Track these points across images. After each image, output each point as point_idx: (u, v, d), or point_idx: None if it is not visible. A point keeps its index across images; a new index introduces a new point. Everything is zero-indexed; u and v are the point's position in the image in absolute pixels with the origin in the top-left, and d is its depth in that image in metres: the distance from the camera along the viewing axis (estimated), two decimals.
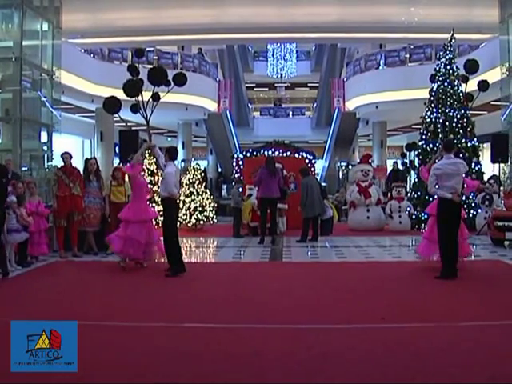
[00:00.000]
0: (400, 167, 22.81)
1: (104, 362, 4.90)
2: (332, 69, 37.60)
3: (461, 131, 16.05)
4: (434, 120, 16.33)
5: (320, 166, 31.43)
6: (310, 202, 13.75)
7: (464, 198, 15.49)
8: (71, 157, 11.65)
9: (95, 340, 5.39)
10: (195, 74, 28.97)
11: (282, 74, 42.30)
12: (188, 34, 22.42)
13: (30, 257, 10.48)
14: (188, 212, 16.29)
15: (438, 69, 16.87)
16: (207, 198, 16.82)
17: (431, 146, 16.21)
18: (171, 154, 9.57)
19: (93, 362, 4.70)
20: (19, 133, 14.62)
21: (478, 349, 5.25)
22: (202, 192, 16.76)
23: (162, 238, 9.73)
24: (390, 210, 16.17)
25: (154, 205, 16.76)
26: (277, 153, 16.56)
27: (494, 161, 16.47)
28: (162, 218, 10.73)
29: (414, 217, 16.11)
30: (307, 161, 16.91)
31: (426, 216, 15.82)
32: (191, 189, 16.51)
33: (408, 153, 26.96)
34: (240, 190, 15.81)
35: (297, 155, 17.03)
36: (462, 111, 16.31)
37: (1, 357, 4.37)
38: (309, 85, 46.96)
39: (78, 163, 12.55)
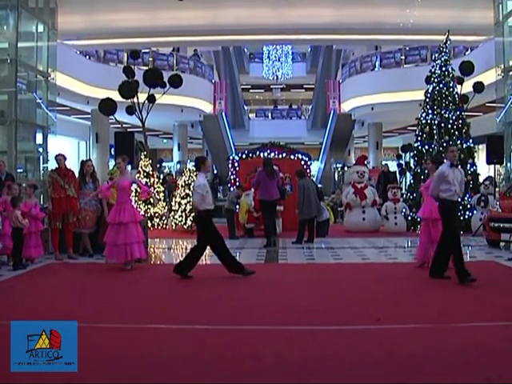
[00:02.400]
0: (391, 169, 22.84)
1: (100, 363, 4.90)
2: (327, 70, 37.68)
3: (456, 132, 16.10)
4: (429, 121, 16.37)
5: (316, 167, 31.49)
6: (307, 204, 13.76)
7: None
8: (65, 158, 11.64)
9: (92, 341, 5.38)
10: (191, 76, 29.00)
11: (277, 76, 42.37)
12: (184, 36, 22.45)
13: (24, 259, 10.45)
14: (184, 214, 16.29)
15: (433, 70, 16.92)
16: None
17: (427, 147, 16.26)
18: (195, 164, 9.79)
19: (90, 364, 4.69)
20: (14, 134, 14.60)
21: (473, 350, 5.27)
22: None
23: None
24: (386, 212, 16.19)
25: (149, 206, 16.81)
26: (272, 154, 16.55)
27: (489, 162, 16.52)
28: None
29: (409, 218, 16.14)
30: (303, 162, 16.91)
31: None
32: (187, 190, 16.49)
33: (404, 154, 27.08)
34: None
35: (292, 157, 17.04)
36: (458, 112, 16.35)
37: (1, 357, 4.37)
38: (304, 86, 47.05)
39: (73, 165, 12.54)
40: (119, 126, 18.65)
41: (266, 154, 16.47)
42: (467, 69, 18.48)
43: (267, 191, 13.42)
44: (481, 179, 16.56)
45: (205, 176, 9.58)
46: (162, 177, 24.33)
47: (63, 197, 11.15)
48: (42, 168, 16.03)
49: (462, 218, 15.47)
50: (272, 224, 13.76)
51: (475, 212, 15.16)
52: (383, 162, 25.18)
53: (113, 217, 10.02)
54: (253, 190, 14.90)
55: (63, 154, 11.79)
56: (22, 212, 10.17)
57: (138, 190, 16.63)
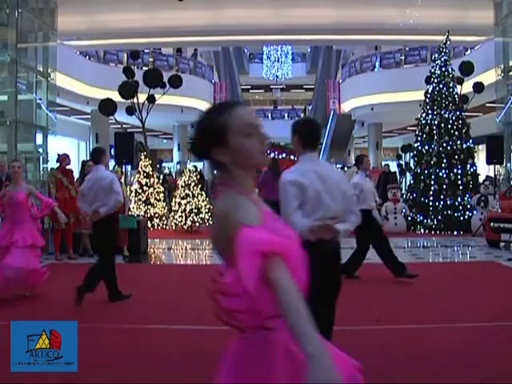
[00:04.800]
0: (391, 169, 22.84)
1: (100, 363, 4.91)
2: (327, 71, 37.67)
3: (456, 133, 16.10)
4: (429, 122, 16.37)
5: None
6: None
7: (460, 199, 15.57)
8: (69, 160, 11.64)
9: (92, 341, 5.38)
10: (190, 76, 29.01)
11: (277, 76, 42.36)
12: (184, 36, 22.45)
13: None
14: (183, 214, 16.28)
15: (433, 71, 16.92)
16: (203, 200, 16.82)
17: (426, 147, 16.27)
18: (357, 161, 9.43)
19: (91, 364, 4.69)
20: (14, 135, 14.62)
21: (472, 350, 5.27)
22: (198, 194, 16.75)
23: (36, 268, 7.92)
24: (386, 212, 16.18)
25: (149, 206, 16.78)
26: (272, 154, 16.57)
27: (489, 162, 16.52)
28: None
29: (409, 218, 16.15)
30: None
31: (421, 218, 15.92)
32: (187, 191, 16.50)
33: (403, 154, 27.09)
34: None
35: (292, 157, 17.04)
36: (457, 113, 16.35)
37: (1, 357, 4.37)
38: (304, 87, 47.03)
39: (73, 165, 12.55)
40: (119, 126, 18.66)
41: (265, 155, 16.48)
42: (467, 69, 18.50)
43: (272, 191, 13.38)
44: (481, 179, 16.56)
45: (365, 174, 9.26)
46: (161, 177, 24.32)
47: (67, 197, 11.15)
48: (41, 168, 16.03)
49: (461, 218, 15.48)
50: None
51: (475, 212, 15.15)
52: (384, 163, 25.13)
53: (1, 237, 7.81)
54: (257, 190, 14.90)
55: (67, 154, 11.78)
56: None
57: (138, 190, 16.73)
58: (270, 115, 42.98)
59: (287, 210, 3.96)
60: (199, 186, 17.16)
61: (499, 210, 12.69)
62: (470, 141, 16.35)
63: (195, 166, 18.93)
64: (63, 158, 11.49)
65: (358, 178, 9.06)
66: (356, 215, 4.26)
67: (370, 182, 9.39)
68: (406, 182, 23.32)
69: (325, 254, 4.03)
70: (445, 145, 15.97)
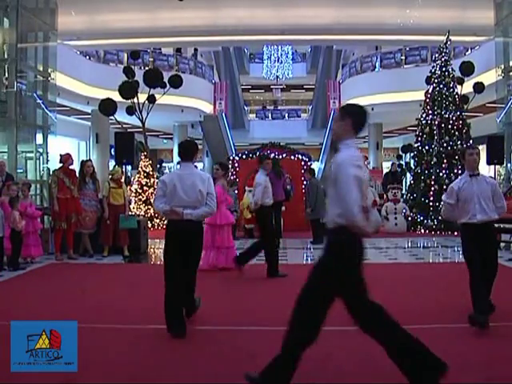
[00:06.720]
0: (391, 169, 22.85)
1: (100, 363, 4.90)
2: (328, 71, 37.66)
3: (456, 133, 16.11)
4: (429, 122, 16.38)
5: (316, 167, 31.48)
6: (320, 204, 13.77)
7: None
8: (72, 160, 11.62)
9: (92, 341, 5.38)
10: (191, 76, 28.99)
11: (277, 76, 42.34)
12: (184, 36, 22.43)
13: (23, 259, 10.42)
14: None
15: (433, 71, 16.94)
16: None
17: (427, 147, 16.27)
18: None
19: (90, 364, 4.69)
20: (15, 135, 14.60)
21: (474, 350, 5.26)
22: None
23: None
24: (386, 212, 16.19)
25: (149, 206, 16.76)
26: (272, 155, 16.55)
27: (489, 162, 16.50)
28: None
29: (409, 218, 16.15)
30: (303, 163, 16.91)
31: (421, 218, 15.91)
32: None
33: (404, 155, 27.08)
34: (236, 191, 15.71)
35: (292, 157, 17.03)
36: (458, 113, 16.37)
37: (1, 357, 4.37)
38: (305, 87, 47.02)
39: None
40: (119, 126, 18.64)
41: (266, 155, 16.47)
42: (467, 69, 18.49)
43: (273, 192, 13.35)
44: None
45: (468, 175, 6.68)
46: None
47: (69, 197, 11.12)
48: (42, 168, 16.03)
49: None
50: (277, 225, 13.67)
51: None
52: (389, 163, 25.09)
53: None
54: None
55: (70, 154, 11.75)
56: (19, 211, 10.10)
57: (138, 190, 16.73)
58: (270, 115, 42.97)
59: (155, 198, 6.20)
60: None
61: None
62: (471, 141, 16.34)
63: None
64: (66, 158, 11.44)
65: (457, 181, 6.69)
66: (208, 207, 6.03)
67: (487, 184, 6.52)
68: (406, 182, 23.31)
69: (176, 229, 5.96)
70: (445, 145, 15.98)
